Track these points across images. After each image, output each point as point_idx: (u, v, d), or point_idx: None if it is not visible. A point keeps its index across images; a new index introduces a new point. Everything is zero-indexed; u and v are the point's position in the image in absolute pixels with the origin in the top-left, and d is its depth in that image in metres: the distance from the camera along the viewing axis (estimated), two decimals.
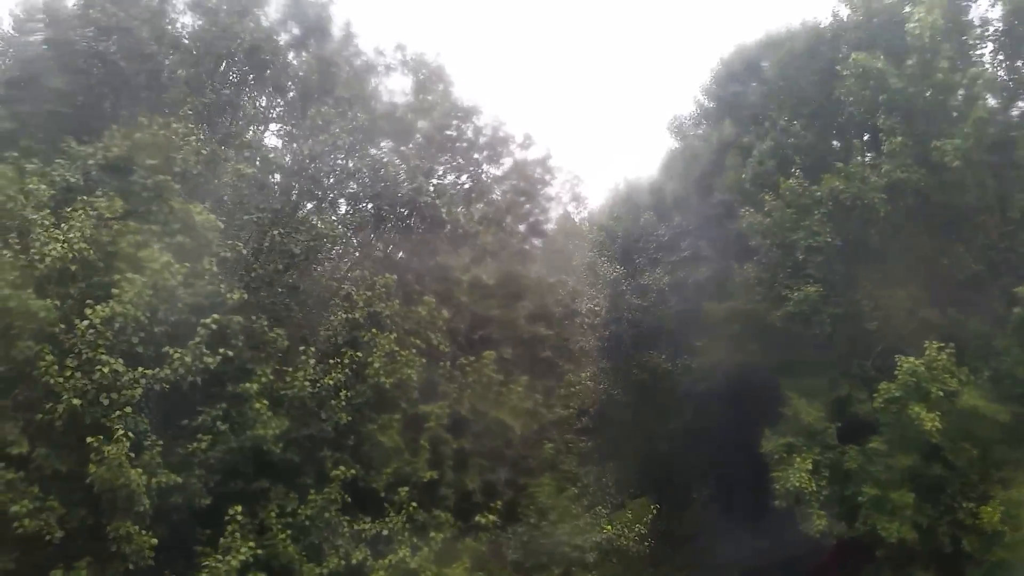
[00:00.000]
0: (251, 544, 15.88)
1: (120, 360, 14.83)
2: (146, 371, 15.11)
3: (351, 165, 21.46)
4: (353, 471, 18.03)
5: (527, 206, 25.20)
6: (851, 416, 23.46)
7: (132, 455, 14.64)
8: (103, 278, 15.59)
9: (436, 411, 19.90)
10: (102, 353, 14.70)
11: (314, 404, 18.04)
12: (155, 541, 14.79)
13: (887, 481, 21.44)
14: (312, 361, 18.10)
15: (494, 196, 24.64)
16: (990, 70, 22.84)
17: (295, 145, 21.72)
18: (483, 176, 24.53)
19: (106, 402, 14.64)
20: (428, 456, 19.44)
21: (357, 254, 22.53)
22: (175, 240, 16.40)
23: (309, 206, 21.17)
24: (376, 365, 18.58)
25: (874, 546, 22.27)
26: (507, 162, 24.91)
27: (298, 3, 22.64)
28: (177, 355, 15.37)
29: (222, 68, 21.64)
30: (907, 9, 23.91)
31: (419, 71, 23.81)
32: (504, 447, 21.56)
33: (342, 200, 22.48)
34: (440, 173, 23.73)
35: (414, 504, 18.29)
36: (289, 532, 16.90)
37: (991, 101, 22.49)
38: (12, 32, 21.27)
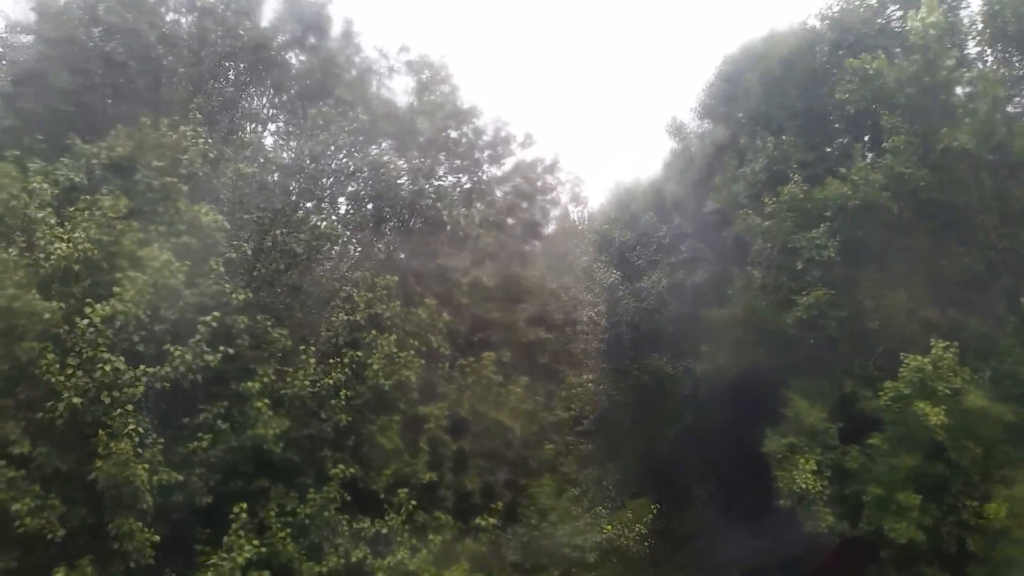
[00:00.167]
0: (255, 543, 15.92)
1: (121, 358, 14.86)
2: (147, 369, 15.15)
3: (351, 165, 21.52)
4: (352, 470, 18.05)
5: (528, 207, 25.26)
6: (854, 415, 23.47)
7: (140, 451, 14.72)
8: (105, 277, 15.64)
9: (435, 412, 19.93)
10: (103, 351, 14.73)
11: (314, 404, 18.07)
12: (157, 538, 14.81)
13: (891, 481, 21.46)
14: (312, 361, 18.14)
15: (495, 196, 24.70)
16: (991, 68, 22.90)
17: (294, 143, 21.80)
18: (484, 176, 24.61)
19: (107, 400, 14.67)
20: (427, 458, 19.46)
21: (358, 253, 22.58)
22: (180, 240, 16.48)
23: (309, 206, 21.24)
24: (376, 367, 18.62)
25: (876, 545, 22.27)
26: (508, 162, 25.03)
27: (296, 1, 22.73)
28: (178, 353, 15.41)
29: (222, 67, 21.72)
30: (890, 10, 24.08)
31: (421, 72, 23.91)
32: (504, 448, 21.59)
33: (342, 200, 22.56)
34: (441, 174, 23.81)
35: (413, 503, 18.32)
36: (289, 531, 16.90)
37: (991, 101, 22.49)
38: (15, 31, 21.37)
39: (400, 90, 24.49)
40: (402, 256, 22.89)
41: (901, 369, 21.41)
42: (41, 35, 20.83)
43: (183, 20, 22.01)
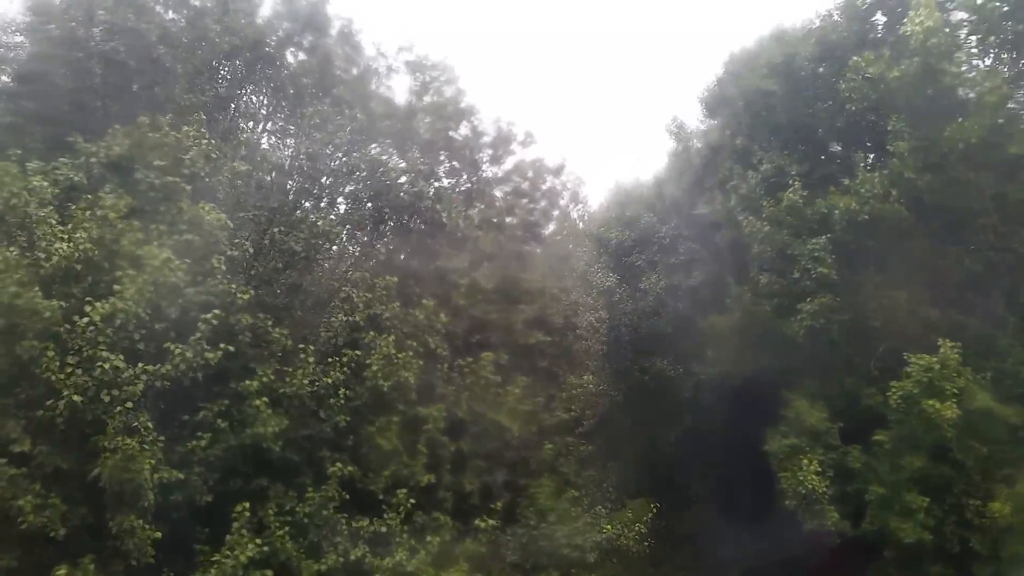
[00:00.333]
0: (257, 541, 15.96)
1: (121, 357, 14.89)
2: (147, 368, 15.18)
3: (349, 164, 21.56)
4: (351, 469, 18.08)
5: (528, 205, 25.30)
6: (855, 415, 23.44)
7: (145, 447, 14.74)
8: (106, 276, 15.67)
9: (434, 413, 19.97)
10: (103, 350, 14.76)
11: (313, 404, 18.12)
12: (158, 535, 14.84)
13: (895, 481, 21.45)
14: (312, 360, 18.17)
15: (495, 197, 24.75)
16: (991, 68, 22.92)
17: (290, 141, 21.84)
18: (484, 176, 24.66)
19: (107, 399, 14.70)
20: (426, 459, 19.49)
21: (357, 254, 22.62)
22: (183, 239, 16.52)
23: (308, 205, 21.28)
24: (375, 367, 18.66)
25: (878, 545, 22.26)
26: (509, 162, 25.09)
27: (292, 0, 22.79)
28: (178, 351, 15.45)
29: (218, 64, 21.75)
30: (877, 16, 24.09)
31: (421, 72, 23.95)
32: (503, 449, 21.62)
33: (341, 199, 22.60)
34: (440, 175, 23.86)
35: (412, 502, 18.33)
36: (287, 530, 16.93)
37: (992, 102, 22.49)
38: (15, 30, 21.43)
39: (400, 90, 24.61)
40: (401, 257, 22.95)
41: (908, 368, 21.39)
42: (41, 34, 20.89)
43: (181, 20, 22.02)
